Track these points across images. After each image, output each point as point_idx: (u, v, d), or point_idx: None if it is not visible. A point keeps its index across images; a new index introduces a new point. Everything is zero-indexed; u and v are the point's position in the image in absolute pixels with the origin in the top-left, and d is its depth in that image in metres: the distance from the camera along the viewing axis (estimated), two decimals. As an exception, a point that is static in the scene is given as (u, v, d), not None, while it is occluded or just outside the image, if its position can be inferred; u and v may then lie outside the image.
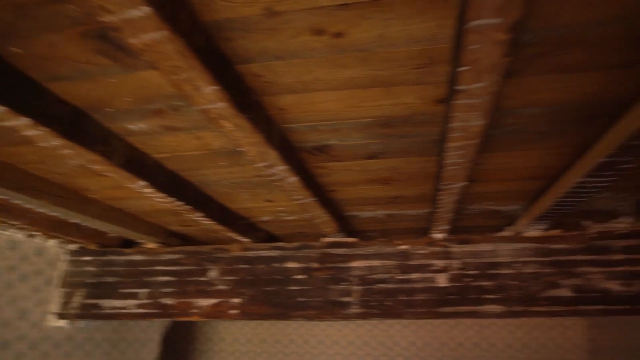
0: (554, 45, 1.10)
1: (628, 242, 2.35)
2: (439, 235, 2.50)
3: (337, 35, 1.05)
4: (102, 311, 2.74)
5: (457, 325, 4.96)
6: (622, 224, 2.37)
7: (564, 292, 2.35)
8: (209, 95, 1.10)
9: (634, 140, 1.31)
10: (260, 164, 1.50)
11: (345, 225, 2.55)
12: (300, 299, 2.55)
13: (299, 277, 2.57)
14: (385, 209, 2.44)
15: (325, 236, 2.58)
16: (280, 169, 1.54)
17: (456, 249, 2.48)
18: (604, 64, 1.17)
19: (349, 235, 2.63)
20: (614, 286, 2.32)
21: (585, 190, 1.74)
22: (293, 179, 1.64)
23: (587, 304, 2.32)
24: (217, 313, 2.60)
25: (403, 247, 2.52)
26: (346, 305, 2.50)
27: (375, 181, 2.01)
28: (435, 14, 0.99)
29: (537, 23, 1.02)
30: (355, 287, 2.51)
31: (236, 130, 1.27)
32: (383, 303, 2.47)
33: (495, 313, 2.39)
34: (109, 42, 1.07)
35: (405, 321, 5.06)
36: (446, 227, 2.35)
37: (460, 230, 2.71)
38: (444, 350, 4.92)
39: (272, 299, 2.56)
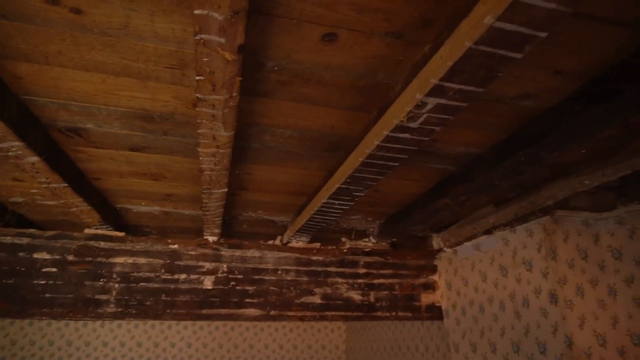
0: (296, 77, 1.23)
1: (370, 259, 2.77)
2: (212, 238, 2.53)
3: (76, 10, 0.98)
4: None
5: (237, 326, 5.10)
6: (368, 243, 2.78)
7: (315, 299, 2.63)
8: None
9: (359, 172, 1.54)
10: (-15, 135, 1.29)
11: (114, 217, 2.38)
12: (46, 295, 2.26)
13: (50, 270, 2.28)
14: (160, 206, 2.37)
15: (89, 227, 2.36)
16: (14, 144, 1.35)
17: (226, 252, 2.55)
18: (338, 104, 1.35)
19: (119, 228, 2.46)
20: (355, 295, 2.70)
21: (332, 210, 1.98)
22: (34, 159, 1.46)
23: (332, 310, 2.64)
24: None
25: (174, 246, 2.48)
26: (102, 303, 2.32)
27: (145, 175, 1.93)
28: (181, 19, 1.01)
29: (277, 53, 1.12)
30: (115, 285, 2.35)
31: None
32: (143, 303, 2.37)
33: (254, 316, 2.52)
34: None
35: (184, 322, 4.96)
36: (217, 230, 2.40)
37: (238, 234, 2.80)
38: (220, 351, 4.99)
39: (9, 293, 2.21)
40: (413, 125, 1.21)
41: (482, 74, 0.98)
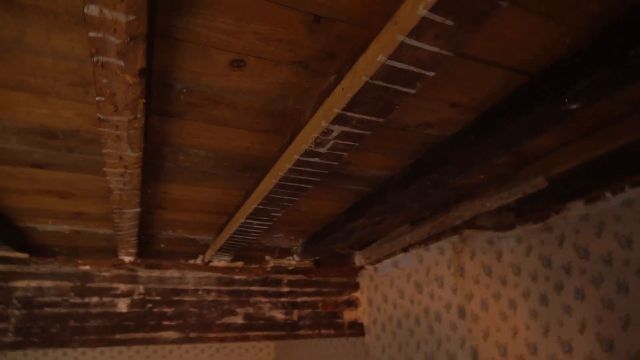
0: (206, 100, 1.23)
1: (293, 277, 2.78)
2: (127, 258, 2.42)
3: (-40, 23, 0.92)
4: None
5: (160, 349, 4.86)
6: (291, 261, 2.79)
7: (237, 320, 2.58)
8: None
9: (274, 194, 1.56)
10: None
11: (17, 237, 2.20)
12: None
13: (-64, 296, 2.06)
14: (70, 224, 2.23)
15: (-15, 248, 2.17)
16: None
17: (143, 273, 2.45)
18: (250, 126, 1.37)
19: (25, 249, 2.28)
20: (278, 314, 2.69)
21: (251, 229, 1.98)
22: None
23: (254, 330, 2.61)
24: None
25: (85, 267, 2.34)
26: (-2, 332, 2.12)
27: (50, 193, 1.82)
28: (81, 38, 0.97)
29: (185, 76, 1.12)
30: (14, 311, 2.16)
31: None
32: (47, 330, 2.20)
33: (172, 339, 2.43)
34: None
35: (110, 351, 4.65)
36: (133, 250, 2.30)
37: (157, 254, 2.69)
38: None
39: None
40: (322, 150, 1.25)
41: (380, 106, 1.04)
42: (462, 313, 2.06)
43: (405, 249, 2.50)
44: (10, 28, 0.95)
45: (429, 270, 2.32)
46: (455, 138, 1.45)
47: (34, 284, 2.22)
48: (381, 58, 0.88)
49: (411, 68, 0.90)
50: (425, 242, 2.34)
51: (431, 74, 0.93)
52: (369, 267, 2.86)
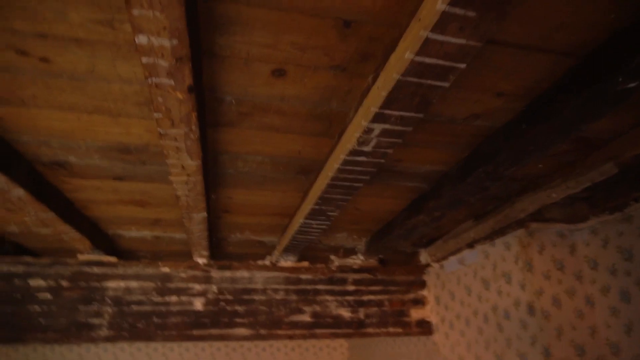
0: (255, 109, 1.31)
1: (358, 276, 2.81)
2: (201, 260, 2.60)
3: (44, 60, 1.08)
4: None
5: (239, 347, 5.12)
6: (356, 260, 2.83)
7: (305, 318, 2.67)
8: None
9: (327, 194, 1.62)
10: (-30, 172, 1.39)
11: (107, 243, 2.47)
12: (41, 321, 2.34)
13: (44, 296, 2.37)
14: (150, 231, 2.45)
15: (81, 253, 2.45)
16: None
17: (216, 274, 2.62)
18: (299, 130, 1.43)
19: (111, 254, 2.55)
20: (344, 313, 2.74)
21: (311, 229, 2.05)
22: (19, 192, 1.55)
23: (321, 327, 2.68)
24: None
25: (165, 269, 2.55)
26: (95, 327, 2.39)
27: (131, 202, 2.02)
28: (139, 63, 1.10)
29: (233, 89, 1.21)
30: (107, 309, 2.42)
31: None
32: (135, 325, 2.43)
33: (244, 336, 2.57)
34: None
35: (186, 344, 5.00)
36: (206, 252, 2.47)
37: (228, 256, 2.86)
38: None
39: (5, 320, 2.29)
40: (366, 149, 1.28)
41: (416, 101, 1.05)
42: (531, 310, 1.98)
43: (470, 245, 2.43)
44: (84, 61, 1.09)
45: (496, 266, 2.24)
46: (506, 128, 1.41)
47: (122, 284, 2.47)
48: (409, 55, 0.90)
49: (440, 62, 0.91)
50: (490, 237, 2.27)
51: (462, 65, 0.93)
52: (435, 265, 2.82)
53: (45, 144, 1.47)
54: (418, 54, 0.89)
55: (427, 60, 0.91)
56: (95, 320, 2.39)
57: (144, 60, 0.90)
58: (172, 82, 0.97)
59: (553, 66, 1.15)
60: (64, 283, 2.40)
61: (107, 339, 2.39)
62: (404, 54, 0.91)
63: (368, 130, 1.18)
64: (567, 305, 1.98)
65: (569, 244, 2.08)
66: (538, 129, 1.28)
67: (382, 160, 1.36)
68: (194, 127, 1.16)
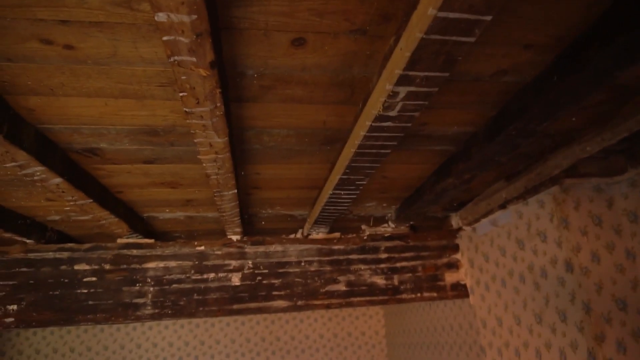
0: (277, 81, 1.30)
1: (390, 243, 2.82)
2: (235, 237, 2.66)
3: (68, 47, 1.09)
4: None
5: (277, 320, 5.27)
6: (387, 228, 2.83)
7: (340, 287, 2.71)
8: None
9: (355, 162, 1.61)
10: (11, 164, 1.44)
11: (143, 226, 2.55)
12: (89, 303, 2.46)
13: (90, 279, 2.48)
14: (183, 211, 2.51)
15: (120, 237, 2.54)
16: (38, 169, 1.50)
17: (250, 250, 2.67)
18: (322, 100, 1.42)
19: (148, 236, 2.63)
20: (379, 280, 2.77)
21: (340, 200, 2.05)
22: (57, 180, 1.61)
23: (357, 296, 2.72)
24: (-11, 321, 2.36)
25: (200, 248, 2.62)
26: (139, 306, 2.50)
27: (162, 184, 2.07)
28: (161, 43, 1.10)
29: (254, 62, 1.20)
30: (149, 288, 2.52)
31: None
32: (177, 303, 2.53)
33: (282, 307, 2.64)
34: None
35: (226, 319, 5.18)
36: (239, 229, 2.52)
37: (261, 231, 2.92)
38: (263, 344, 5.18)
39: (56, 303, 2.42)
40: (392, 113, 1.26)
41: (441, 60, 1.02)
42: (569, 267, 1.94)
43: (502, 206, 2.39)
44: (105, 45, 1.10)
45: (530, 225, 2.20)
46: (536, 82, 1.36)
47: (161, 264, 2.56)
48: (432, 11, 0.87)
49: (465, 16, 0.88)
50: (523, 196, 2.23)
51: (488, 18, 0.90)
52: (467, 228, 2.80)
53: (76, 131, 1.51)
54: (441, 9, 0.86)
55: (451, 15, 0.88)
56: (140, 300, 2.50)
57: (165, 38, 0.90)
58: (194, 59, 0.97)
59: (585, 11, 1.09)
60: (107, 266, 2.51)
61: (152, 317, 2.50)
62: (427, 10, 0.88)
63: (393, 94, 1.16)
64: (606, 260, 1.94)
65: (607, 198, 2.02)
66: (570, 79, 1.23)
67: (409, 125, 1.34)
68: (219, 104, 1.17)
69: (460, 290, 2.84)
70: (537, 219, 2.16)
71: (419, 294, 2.79)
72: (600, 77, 1.21)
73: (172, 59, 0.98)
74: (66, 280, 2.45)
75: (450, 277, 2.85)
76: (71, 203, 1.86)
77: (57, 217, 2.41)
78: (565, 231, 1.97)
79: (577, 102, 1.34)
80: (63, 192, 1.72)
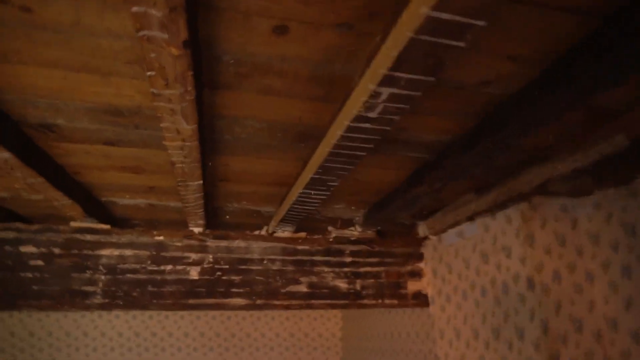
0: (254, 70, 1.23)
1: (355, 247, 2.79)
2: (197, 229, 2.56)
3: (25, 9, 0.99)
4: None
5: (234, 316, 5.17)
6: (354, 232, 2.80)
7: (301, 288, 2.66)
8: None
9: (329, 163, 1.56)
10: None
11: (100, 210, 2.41)
12: (34, 288, 2.31)
13: (36, 262, 2.33)
14: (145, 198, 2.39)
15: (74, 220, 2.39)
16: (-19, 141, 1.37)
17: (212, 243, 2.58)
18: (300, 95, 1.36)
19: (105, 221, 2.50)
20: (341, 284, 2.73)
21: (310, 200, 1.99)
22: (5, 155, 1.48)
23: (318, 298, 2.67)
24: None
25: (160, 238, 2.51)
26: (89, 295, 2.36)
27: (124, 168, 1.95)
28: (129, 15, 1.01)
29: (231, 47, 1.13)
30: (101, 277, 2.39)
31: None
32: (130, 294, 2.41)
33: (240, 305, 2.56)
34: None
35: (181, 312, 5.03)
36: (202, 221, 2.42)
37: (224, 225, 2.82)
38: (217, 340, 5.06)
39: (-3, 286, 2.26)
40: (372, 115, 1.22)
41: (428, 63, 0.98)
42: (531, 284, 1.96)
43: (470, 218, 2.40)
44: (67, 12, 1.00)
45: (496, 239, 2.21)
46: (519, 95, 1.34)
47: (116, 252, 2.43)
48: (424, 10, 0.82)
49: (458, 18, 0.84)
50: (491, 210, 2.23)
51: (481, 23, 0.86)
52: (433, 238, 2.79)
53: (31, 104, 1.39)
54: (435, 8, 0.81)
55: (444, 16, 0.83)
56: (89, 288, 2.36)
57: (134, 9, 0.82)
58: (166, 36, 0.89)
59: (574, 28, 1.08)
60: (56, 250, 2.36)
61: (102, 307, 2.37)
62: (419, 8, 0.83)
63: (375, 95, 1.11)
64: (566, 280, 1.96)
65: (572, 218, 2.05)
66: (552, 96, 1.22)
67: (388, 128, 1.29)
68: (189, 88, 1.09)
69: (421, 299, 2.83)
70: (503, 234, 2.17)
71: (380, 300, 2.76)
72: (582, 96, 1.20)
73: (141, 33, 0.89)
74: (9, 263, 2.29)
75: (412, 286, 2.84)
76: (21, 181, 1.73)
77: (5, 195, 2.25)
78: (530, 249, 1.99)
79: (556, 119, 1.33)
80: (12, 168, 1.58)
